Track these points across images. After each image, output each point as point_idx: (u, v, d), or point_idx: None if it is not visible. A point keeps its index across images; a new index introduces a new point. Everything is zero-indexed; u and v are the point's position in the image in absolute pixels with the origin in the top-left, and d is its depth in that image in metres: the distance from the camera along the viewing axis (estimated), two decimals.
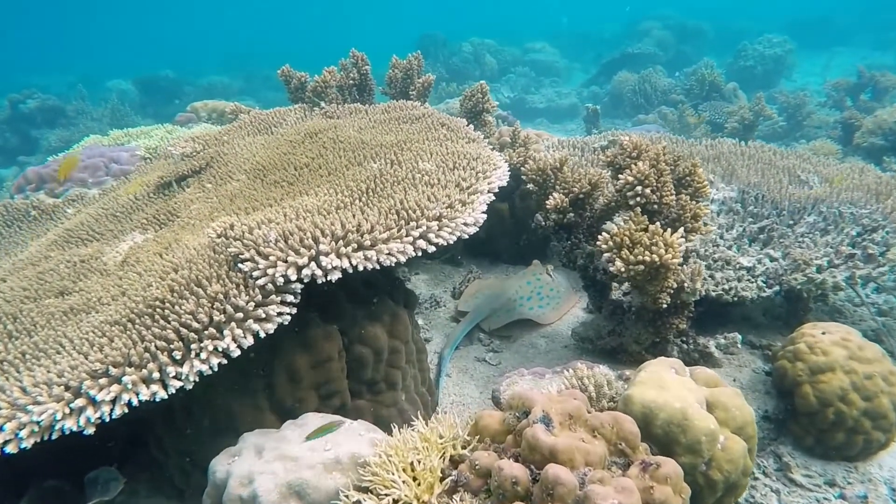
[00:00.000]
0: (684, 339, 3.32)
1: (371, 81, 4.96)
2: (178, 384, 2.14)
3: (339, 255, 2.39)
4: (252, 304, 2.30)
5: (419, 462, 1.94)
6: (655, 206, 2.94)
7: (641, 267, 2.65)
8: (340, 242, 2.41)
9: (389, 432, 2.42)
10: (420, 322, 4.48)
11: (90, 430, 2.04)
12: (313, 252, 2.38)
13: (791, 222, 3.93)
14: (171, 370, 2.13)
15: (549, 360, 3.86)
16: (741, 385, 3.30)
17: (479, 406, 3.50)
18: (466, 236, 2.69)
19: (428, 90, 4.82)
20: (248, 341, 2.27)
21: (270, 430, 2.37)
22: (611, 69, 14.57)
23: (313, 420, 2.34)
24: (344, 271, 2.42)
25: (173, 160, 4.59)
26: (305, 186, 3.29)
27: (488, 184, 3.05)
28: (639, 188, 2.87)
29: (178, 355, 2.16)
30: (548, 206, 3.40)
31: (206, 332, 2.23)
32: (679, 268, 2.69)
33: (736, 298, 3.31)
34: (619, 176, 2.96)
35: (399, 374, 2.91)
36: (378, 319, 2.81)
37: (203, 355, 2.18)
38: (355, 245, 2.42)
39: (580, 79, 17.51)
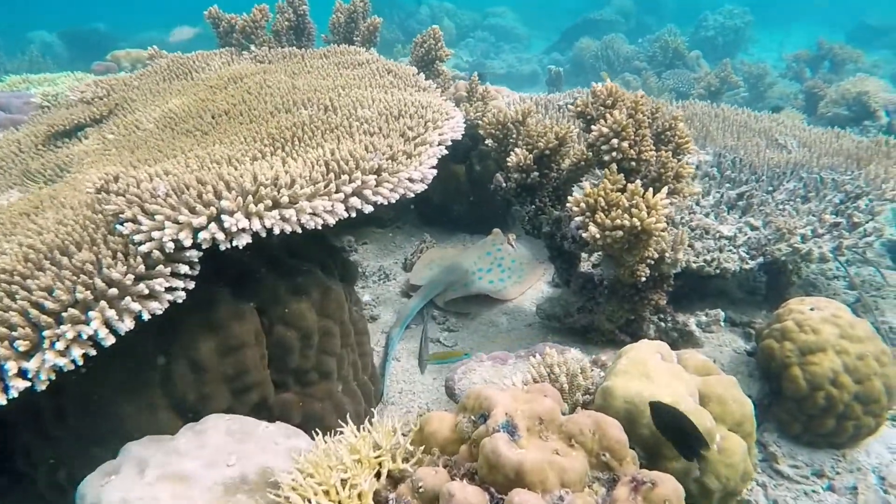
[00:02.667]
0: (662, 316, 2.95)
1: (310, 24, 4.35)
2: (23, 385, 1.60)
3: (248, 215, 1.87)
4: (131, 276, 1.77)
5: (345, 483, 1.48)
6: (633, 163, 2.52)
7: (619, 233, 2.23)
8: (250, 198, 1.89)
9: (325, 432, 1.95)
10: (367, 298, 3.99)
11: None
12: (214, 210, 1.85)
13: (770, 188, 3.60)
14: (12, 366, 1.59)
15: (511, 340, 3.45)
16: (721, 367, 2.97)
17: (433, 396, 3.07)
18: (412, 194, 2.20)
19: (374, 35, 4.25)
20: (126, 325, 1.75)
21: (161, 438, 1.86)
22: (572, 36, 14.12)
23: (216, 424, 1.84)
24: (256, 235, 1.91)
25: (74, 108, 3.91)
26: (221, 136, 2.72)
27: (439, 135, 2.56)
28: (615, 141, 2.44)
29: (22, 346, 1.62)
30: (509, 165, 2.95)
31: (65, 314, 1.69)
32: (662, 234, 2.29)
33: (718, 271, 2.96)
34: (592, 127, 2.52)
35: (333, 361, 2.43)
36: (305, 295, 2.31)
37: (60, 345, 1.64)
38: (269, 202, 1.90)
39: (541, 46, 17.02)
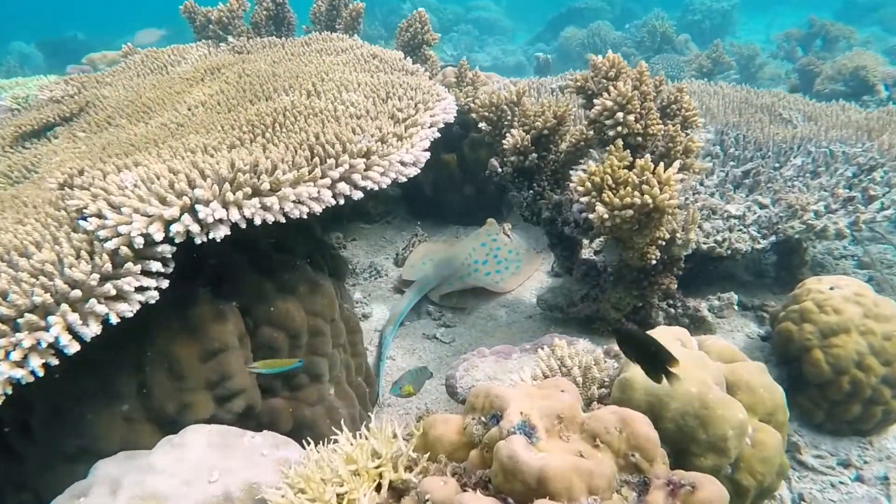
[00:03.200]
0: (671, 302, 2.80)
1: (290, 13, 4.17)
2: None
3: (225, 204, 1.70)
4: (96, 276, 1.59)
5: (342, 498, 1.31)
6: (639, 139, 2.35)
7: (629, 212, 2.07)
8: (227, 186, 1.71)
9: (318, 439, 1.79)
10: (357, 295, 3.82)
11: None
12: (187, 200, 1.67)
13: (777, 165, 3.45)
14: None
15: (511, 334, 3.29)
16: None
17: (433, 396, 2.90)
18: (405, 179, 2.03)
19: (357, 21, 4.07)
20: (92, 330, 1.57)
21: (136, 454, 1.68)
22: (557, 25, 13.96)
23: (196, 436, 1.67)
24: (236, 227, 1.74)
25: (43, 108, 3.72)
26: (197, 127, 2.54)
27: (431, 116, 2.40)
28: (619, 115, 2.27)
29: None
30: (505, 147, 2.78)
31: (21, 320, 1.50)
32: (675, 212, 2.13)
33: (729, 251, 2.81)
34: (595, 102, 2.36)
35: (325, 363, 2.26)
36: (292, 292, 2.14)
37: (16, 355, 1.46)
38: (248, 190, 1.73)
39: (525, 38, 16.84)
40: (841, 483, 2.42)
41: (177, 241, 1.66)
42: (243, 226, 1.71)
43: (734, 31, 14.35)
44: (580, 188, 2.18)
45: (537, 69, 8.81)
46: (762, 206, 3.12)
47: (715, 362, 1.82)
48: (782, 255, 3.27)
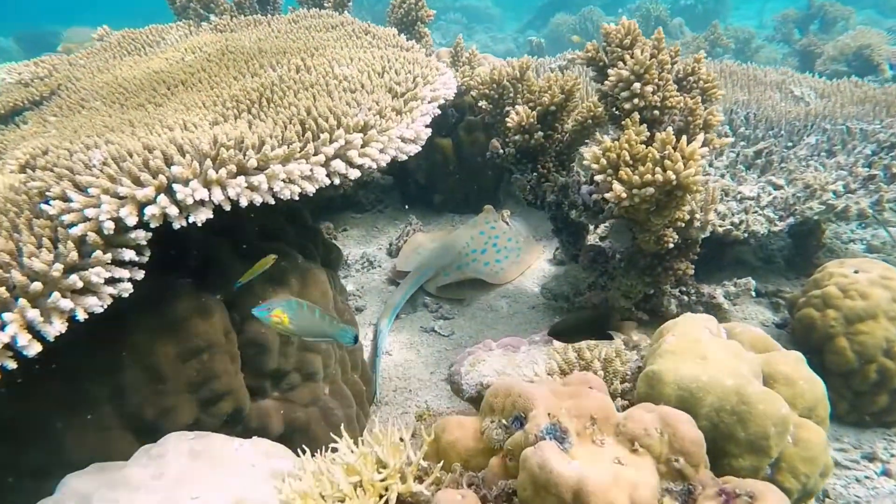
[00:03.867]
0: (684, 289, 2.64)
1: None
2: None
3: (206, 184, 1.51)
4: (59, 267, 1.40)
5: None
6: (655, 112, 2.18)
7: (650, 190, 1.90)
8: (209, 163, 1.52)
9: (312, 444, 1.61)
10: (350, 288, 3.64)
11: None
12: (163, 179, 1.48)
13: (790, 144, 3.30)
14: None
15: (514, 325, 3.12)
16: None
17: (433, 392, 2.73)
18: (405, 156, 1.85)
19: None
20: (55, 328, 1.38)
21: (109, 466, 1.50)
22: (547, 12, 13.76)
23: (177, 445, 1.49)
24: (219, 210, 1.55)
25: (10, 92, 3.49)
26: (177, 105, 2.34)
27: (432, 91, 2.21)
28: (636, 85, 2.10)
29: None
30: (509, 126, 2.60)
31: None
32: (699, 189, 1.96)
33: (746, 234, 2.65)
34: (609, 72, 2.18)
35: (318, 360, 2.08)
36: (283, 283, 1.95)
37: None
38: (233, 168, 1.54)
39: (514, 26, 16.66)
40: (866, 478, 2.29)
41: (152, 225, 1.47)
42: (227, 208, 1.52)
43: (725, 18, 14.22)
44: (594, 166, 2.01)
45: (531, 53, 8.64)
46: (777, 187, 2.97)
47: (748, 352, 1.67)
48: (798, 239, 3.12)
